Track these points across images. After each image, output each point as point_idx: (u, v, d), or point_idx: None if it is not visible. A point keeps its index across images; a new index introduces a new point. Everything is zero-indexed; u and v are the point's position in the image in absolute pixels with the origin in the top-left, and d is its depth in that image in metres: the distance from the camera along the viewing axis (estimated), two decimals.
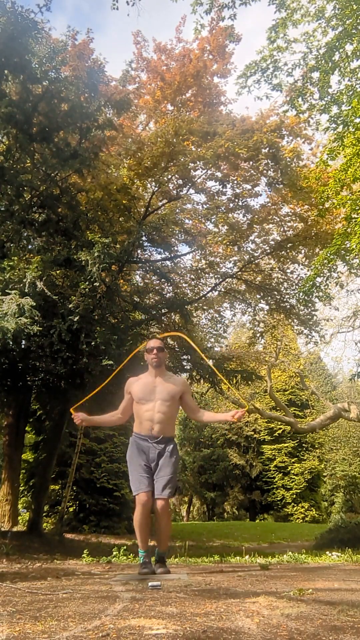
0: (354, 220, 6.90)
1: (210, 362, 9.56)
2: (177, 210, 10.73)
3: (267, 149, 8.79)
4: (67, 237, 7.63)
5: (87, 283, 6.83)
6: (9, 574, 4.08)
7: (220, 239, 9.90)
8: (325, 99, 7.17)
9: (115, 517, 14.03)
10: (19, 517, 11.88)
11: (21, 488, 12.79)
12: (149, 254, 11.07)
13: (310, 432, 20.66)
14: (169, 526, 3.53)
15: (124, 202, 8.92)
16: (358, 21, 6.45)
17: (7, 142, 7.29)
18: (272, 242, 10.90)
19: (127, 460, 3.56)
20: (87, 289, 6.85)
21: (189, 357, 10.60)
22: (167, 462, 3.43)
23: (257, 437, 27.57)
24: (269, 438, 27.26)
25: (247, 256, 10.99)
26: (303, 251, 10.87)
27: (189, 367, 11.32)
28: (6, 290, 5.93)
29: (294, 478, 26.20)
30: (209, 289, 11.98)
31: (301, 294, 7.90)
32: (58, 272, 7.85)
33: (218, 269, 11.44)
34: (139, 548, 3.48)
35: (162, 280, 11.31)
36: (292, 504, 25.90)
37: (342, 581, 3.37)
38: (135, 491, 3.39)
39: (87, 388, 7.89)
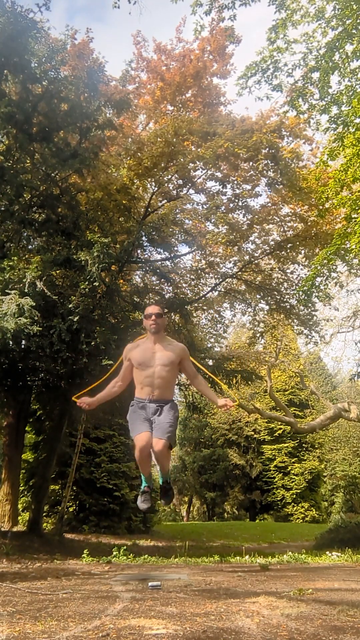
0: (354, 220, 6.90)
1: None
2: (177, 210, 10.73)
3: (267, 149, 8.78)
4: (67, 237, 7.62)
5: (87, 283, 6.82)
6: (9, 574, 4.08)
7: (220, 239, 9.89)
8: (326, 99, 7.16)
9: (115, 517, 14.01)
10: (19, 517, 11.86)
11: (21, 488, 12.76)
12: (149, 254, 11.06)
13: (310, 432, 20.62)
14: (169, 462, 3.66)
15: (124, 202, 8.91)
16: (358, 21, 6.45)
17: (7, 142, 7.29)
18: (272, 243, 10.90)
19: (128, 418, 3.59)
20: (87, 289, 6.85)
21: None
22: (165, 414, 3.49)
23: (257, 437, 27.53)
24: (269, 438, 27.23)
25: (247, 256, 10.98)
26: (303, 251, 10.86)
27: None
28: (6, 290, 5.93)
29: (294, 478, 26.16)
30: (209, 289, 11.96)
31: (301, 293, 7.90)
32: (58, 272, 7.85)
33: (218, 269, 11.43)
34: (142, 476, 3.65)
35: (162, 280, 11.30)
36: (292, 504, 25.86)
37: (342, 581, 3.37)
38: (135, 433, 3.44)
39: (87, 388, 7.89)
